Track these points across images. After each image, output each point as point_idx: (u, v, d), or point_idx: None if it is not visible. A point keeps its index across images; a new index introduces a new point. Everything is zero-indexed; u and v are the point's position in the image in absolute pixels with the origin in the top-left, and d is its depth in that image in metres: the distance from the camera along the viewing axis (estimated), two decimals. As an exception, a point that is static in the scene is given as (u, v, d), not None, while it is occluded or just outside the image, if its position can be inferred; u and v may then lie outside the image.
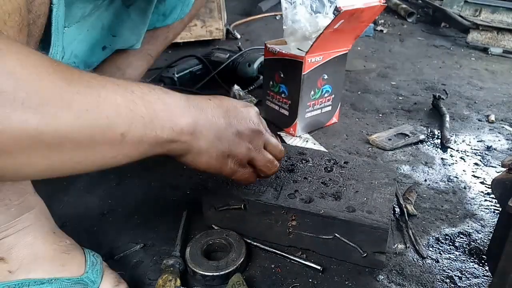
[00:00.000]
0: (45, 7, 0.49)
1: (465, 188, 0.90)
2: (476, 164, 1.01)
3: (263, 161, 0.61)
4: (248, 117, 0.58)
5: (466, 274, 0.67)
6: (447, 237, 0.75)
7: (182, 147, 0.49)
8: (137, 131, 0.43)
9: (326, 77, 1.05)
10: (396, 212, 0.80)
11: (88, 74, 0.41)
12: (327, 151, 0.97)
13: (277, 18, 2.41)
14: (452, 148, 1.07)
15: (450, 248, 0.72)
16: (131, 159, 0.45)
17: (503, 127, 1.22)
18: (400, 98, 1.40)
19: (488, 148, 1.08)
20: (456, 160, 1.02)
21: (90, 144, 0.40)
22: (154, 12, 0.82)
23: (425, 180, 0.92)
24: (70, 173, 0.42)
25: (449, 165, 0.99)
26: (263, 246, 0.69)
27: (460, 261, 0.69)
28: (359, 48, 1.97)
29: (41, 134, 0.36)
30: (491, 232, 0.76)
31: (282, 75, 1.05)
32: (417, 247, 0.71)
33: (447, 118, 1.20)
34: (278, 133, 1.09)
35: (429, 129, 1.17)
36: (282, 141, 1.05)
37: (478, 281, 0.65)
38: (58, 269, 0.54)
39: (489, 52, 2.00)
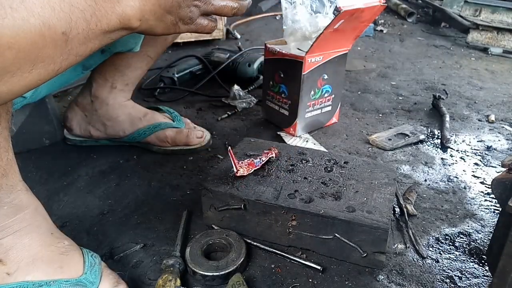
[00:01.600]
0: None
1: (465, 188, 0.90)
2: (476, 164, 1.01)
3: (218, 10, 0.57)
4: None
5: (466, 274, 0.67)
6: (447, 237, 0.75)
7: (132, 32, 0.49)
8: (79, 27, 0.40)
9: (326, 77, 1.05)
10: (396, 212, 0.80)
11: None
12: (327, 151, 0.97)
13: (277, 18, 2.42)
14: (452, 148, 1.07)
15: (450, 248, 0.72)
16: (82, 58, 0.43)
17: (503, 127, 1.22)
18: (400, 98, 1.40)
19: (488, 148, 1.08)
20: (456, 160, 1.02)
21: (32, 50, 0.36)
22: None
23: (425, 180, 0.92)
24: (26, 87, 0.39)
25: (449, 165, 0.99)
26: (263, 246, 0.69)
27: (460, 261, 0.69)
28: (359, 48, 1.97)
29: None
30: (491, 232, 0.76)
31: (282, 75, 1.05)
32: (417, 247, 0.71)
33: (447, 118, 1.20)
34: (278, 133, 1.09)
35: (429, 129, 1.17)
36: (282, 141, 1.05)
37: (478, 281, 0.65)
38: (56, 271, 0.53)
39: (489, 52, 2.00)
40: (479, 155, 1.05)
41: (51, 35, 0.37)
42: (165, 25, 0.52)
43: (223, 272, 0.61)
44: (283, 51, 1.02)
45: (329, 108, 1.12)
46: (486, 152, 1.06)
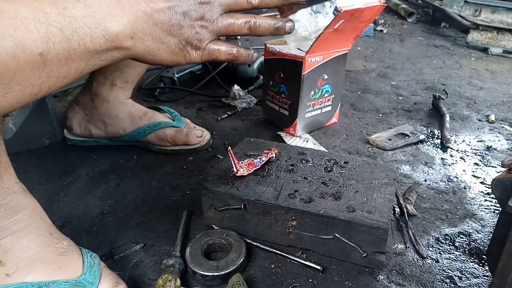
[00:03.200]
0: None
1: (465, 188, 0.90)
2: (476, 164, 1.01)
3: (228, 29, 0.51)
4: None
5: (466, 274, 0.67)
6: (447, 237, 0.75)
7: (128, 53, 0.44)
8: (59, 47, 0.37)
9: (326, 77, 1.05)
10: (396, 212, 0.80)
11: None
12: (327, 151, 0.97)
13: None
14: (452, 148, 1.07)
15: (450, 248, 0.72)
16: (69, 80, 0.40)
17: (503, 127, 1.22)
18: (400, 98, 1.40)
19: (488, 148, 1.08)
20: (456, 160, 1.02)
21: (6, 71, 0.34)
22: None
23: (425, 180, 0.92)
24: (11, 109, 0.38)
25: (449, 165, 0.99)
26: (263, 246, 0.69)
27: (460, 261, 0.69)
28: (359, 48, 1.97)
29: None
30: (491, 232, 0.76)
31: (282, 75, 1.05)
32: (417, 247, 0.71)
33: (447, 118, 1.20)
34: (278, 133, 1.09)
35: (429, 129, 1.17)
36: (282, 141, 1.05)
37: (478, 281, 0.65)
38: (56, 272, 0.53)
39: (489, 52, 2.00)
40: (479, 155, 1.05)
41: (26, 57, 0.35)
42: (169, 48, 0.47)
43: (223, 272, 0.61)
44: (283, 51, 1.02)
45: (329, 108, 1.12)
46: (486, 152, 1.06)
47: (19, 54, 0.34)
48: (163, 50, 0.47)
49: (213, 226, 0.72)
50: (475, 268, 0.68)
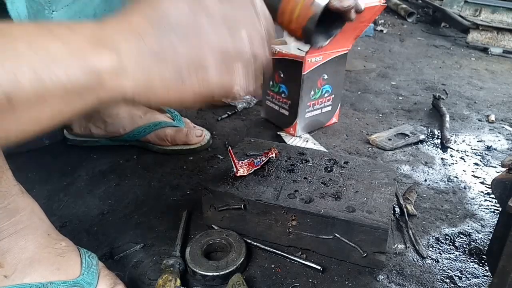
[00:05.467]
0: None
1: (465, 188, 0.90)
2: (476, 164, 1.01)
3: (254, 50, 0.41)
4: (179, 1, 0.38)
5: (466, 274, 0.67)
6: (447, 237, 0.75)
7: (115, 93, 0.36)
8: (27, 87, 0.31)
9: (326, 77, 1.05)
10: (396, 212, 0.80)
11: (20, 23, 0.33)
12: (327, 151, 0.97)
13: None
14: (452, 148, 1.07)
15: (450, 248, 0.72)
16: (49, 123, 0.34)
17: (503, 127, 1.22)
18: (400, 98, 1.40)
19: (488, 148, 1.08)
20: (456, 160, 1.02)
21: (41, 103, 0.31)
22: None
23: (425, 180, 0.92)
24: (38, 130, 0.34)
25: (449, 165, 0.99)
26: (263, 246, 0.69)
27: (460, 261, 0.69)
28: (359, 48, 1.97)
29: None
30: (491, 232, 0.76)
31: (282, 75, 1.05)
32: (417, 247, 0.71)
33: (447, 118, 1.20)
34: (278, 133, 1.09)
35: (429, 129, 1.17)
36: (282, 141, 1.05)
37: (478, 281, 0.65)
38: (54, 273, 0.53)
39: (489, 52, 2.00)
40: (479, 155, 1.05)
41: None
42: (163, 80, 0.37)
43: (223, 272, 0.61)
44: (283, 51, 1.02)
45: (329, 108, 1.12)
46: (486, 152, 1.06)
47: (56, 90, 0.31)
48: (160, 87, 0.37)
49: (213, 226, 0.72)
50: (475, 268, 0.68)
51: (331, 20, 0.69)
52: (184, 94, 0.39)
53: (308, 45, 0.74)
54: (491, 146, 1.09)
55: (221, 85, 0.40)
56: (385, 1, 0.94)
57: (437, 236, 0.75)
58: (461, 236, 0.75)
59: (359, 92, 1.43)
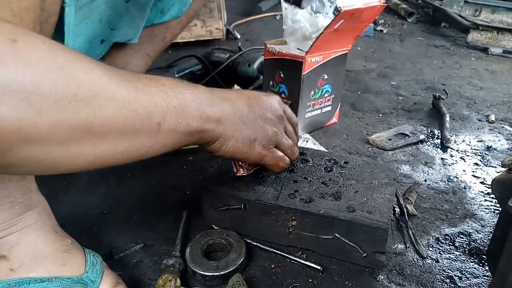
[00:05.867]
0: (57, 6, 0.51)
1: (465, 188, 0.90)
2: (476, 164, 1.01)
3: (287, 145, 0.64)
4: (270, 103, 0.62)
5: (466, 274, 0.67)
6: (447, 237, 0.75)
7: (210, 135, 0.53)
8: (171, 120, 0.46)
9: (326, 77, 1.05)
10: (396, 212, 0.80)
11: (120, 70, 0.44)
12: (327, 151, 0.97)
13: (277, 18, 2.41)
14: (452, 148, 1.07)
15: (450, 248, 0.72)
16: (166, 149, 0.50)
17: (503, 127, 1.22)
18: (400, 98, 1.40)
19: (488, 148, 1.08)
20: (456, 160, 1.02)
21: (131, 132, 0.43)
22: (152, 9, 0.82)
23: (425, 180, 0.92)
24: (114, 163, 0.45)
25: (449, 165, 0.99)
26: (263, 246, 0.69)
27: (460, 261, 0.69)
28: (359, 48, 1.97)
29: (91, 124, 0.38)
30: (491, 232, 0.76)
31: (282, 75, 1.05)
32: (417, 247, 0.71)
33: (447, 118, 1.20)
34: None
35: (429, 129, 1.17)
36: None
37: (478, 281, 0.65)
38: (59, 268, 0.54)
39: (489, 52, 2.00)
40: (479, 155, 1.05)
41: (148, 124, 0.44)
42: (240, 136, 0.57)
43: (223, 272, 0.61)
44: (283, 51, 1.02)
45: (329, 108, 1.12)
46: (486, 152, 1.06)
47: (146, 121, 0.44)
48: (234, 140, 0.57)
49: (213, 226, 0.72)
50: (475, 268, 0.68)
51: None
52: (248, 154, 0.60)
53: (294, 5, 0.80)
54: (491, 146, 1.09)
55: (263, 157, 0.63)
56: (385, 1, 0.94)
57: (437, 236, 0.75)
58: (461, 236, 0.75)
59: (359, 92, 1.43)
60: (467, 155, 1.04)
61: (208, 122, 0.52)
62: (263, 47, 1.07)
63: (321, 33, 0.92)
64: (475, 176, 0.95)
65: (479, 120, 1.25)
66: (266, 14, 2.45)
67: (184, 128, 0.49)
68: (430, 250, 0.71)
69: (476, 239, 0.75)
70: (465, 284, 0.65)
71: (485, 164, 1.01)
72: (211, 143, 0.55)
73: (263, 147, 0.61)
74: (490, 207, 0.84)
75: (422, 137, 1.10)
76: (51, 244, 0.55)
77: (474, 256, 0.70)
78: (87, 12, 0.65)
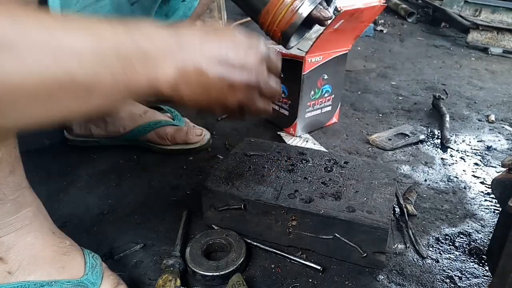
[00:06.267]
0: None
1: (465, 188, 0.90)
2: (476, 164, 1.01)
3: (267, 86, 0.50)
4: (234, 39, 0.47)
5: (466, 274, 0.67)
6: (447, 237, 0.75)
7: (168, 96, 0.44)
8: (105, 85, 0.37)
9: (326, 77, 1.05)
10: (396, 212, 0.80)
11: (43, 12, 0.36)
12: (327, 151, 0.97)
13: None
14: (452, 148, 1.07)
15: (450, 248, 0.72)
16: (107, 108, 0.43)
17: (503, 127, 1.22)
18: (400, 98, 1.40)
19: (488, 148, 1.08)
20: (456, 160, 1.02)
21: (48, 98, 0.35)
22: (157, 12, 0.82)
23: (425, 180, 0.92)
24: (45, 123, 0.38)
25: (449, 165, 0.99)
26: (263, 246, 0.69)
27: (460, 261, 0.69)
28: (359, 48, 1.97)
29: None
30: (491, 232, 0.76)
31: (282, 75, 1.04)
32: (417, 247, 0.71)
33: (447, 118, 1.20)
34: (278, 133, 1.09)
35: (429, 129, 1.17)
36: (282, 141, 1.05)
37: (478, 281, 0.65)
38: (58, 271, 0.53)
39: (489, 52, 2.00)
40: (479, 155, 1.05)
41: (71, 89, 0.36)
42: (207, 92, 0.45)
43: (223, 272, 0.61)
44: (283, 51, 1.02)
45: (329, 108, 1.12)
46: (486, 152, 1.06)
47: (67, 85, 0.35)
48: (200, 96, 0.45)
49: (213, 226, 0.72)
50: (475, 268, 0.68)
51: (303, 23, 0.76)
52: (220, 105, 0.47)
53: (280, 45, 0.81)
54: (491, 146, 1.09)
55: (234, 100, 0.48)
56: (385, 1, 0.94)
57: (437, 236, 0.75)
58: (461, 236, 0.75)
59: (359, 92, 1.43)
60: (467, 155, 1.04)
61: (159, 89, 0.42)
62: (263, 47, 1.07)
63: (321, 33, 0.92)
64: (475, 176, 0.95)
65: (479, 120, 1.25)
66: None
67: (126, 93, 0.40)
68: (430, 250, 0.71)
69: (476, 239, 0.75)
70: (465, 284, 0.65)
71: (485, 164, 1.01)
72: (173, 101, 0.45)
73: (237, 94, 0.47)
74: (490, 207, 0.84)
75: (422, 137, 1.10)
76: (49, 246, 0.54)
77: (474, 256, 0.70)
78: (91, 12, 0.65)
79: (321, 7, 0.75)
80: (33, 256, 0.52)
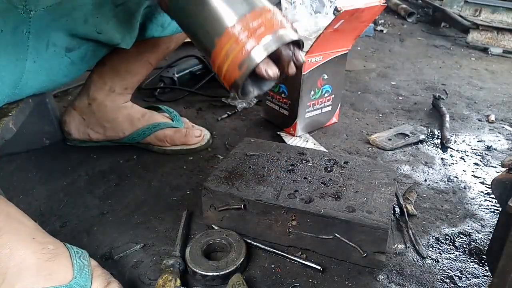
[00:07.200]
0: None
1: (465, 188, 0.90)
2: (476, 164, 1.01)
3: None
4: None
5: (466, 274, 0.67)
6: (447, 237, 0.75)
7: None
8: None
9: (326, 77, 1.05)
10: (396, 212, 0.80)
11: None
12: (327, 151, 0.97)
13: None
14: (452, 148, 1.07)
15: (450, 248, 0.72)
16: None
17: (503, 127, 1.22)
18: (400, 98, 1.40)
19: (488, 148, 1.08)
20: (456, 160, 1.02)
21: None
22: (152, 23, 0.81)
23: (425, 180, 0.92)
24: None
25: (449, 165, 0.99)
26: (263, 246, 0.69)
27: (460, 261, 0.69)
28: (359, 48, 1.97)
29: None
30: (491, 232, 0.76)
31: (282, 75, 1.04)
32: (417, 247, 0.71)
33: (447, 118, 1.20)
34: (278, 133, 1.09)
35: (429, 129, 1.17)
36: (282, 141, 1.05)
37: (478, 281, 0.65)
38: (46, 279, 0.52)
39: (489, 52, 2.00)
40: (479, 155, 1.05)
41: None
42: None
43: (223, 272, 0.61)
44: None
45: (329, 108, 1.12)
46: (486, 152, 1.06)
47: None
48: None
49: (213, 226, 0.72)
50: (475, 268, 0.68)
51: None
52: None
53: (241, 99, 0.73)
54: (491, 146, 1.09)
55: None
56: (385, 1, 0.94)
57: (437, 236, 0.75)
58: (461, 236, 0.75)
59: (359, 92, 1.43)
60: (467, 155, 1.04)
61: None
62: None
63: (321, 33, 0.92)
64: (475, 176, 0.95)
65: (479, 120, 1.25)
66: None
67: None
68: (430, 250, 0.71)
69: (476, 239, 0.75)
70: (465, 284, 0.65)
71: (485, 164, 1.01)
72: None
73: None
74: (490, 207, 0.84)
75: (422, 137, 1.10)
76: (31, 254, 0.52)
77: (474, 256, 0.70)
78: (68, 9, 0.62)
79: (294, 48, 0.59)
80: (17, 267, 0.50)
